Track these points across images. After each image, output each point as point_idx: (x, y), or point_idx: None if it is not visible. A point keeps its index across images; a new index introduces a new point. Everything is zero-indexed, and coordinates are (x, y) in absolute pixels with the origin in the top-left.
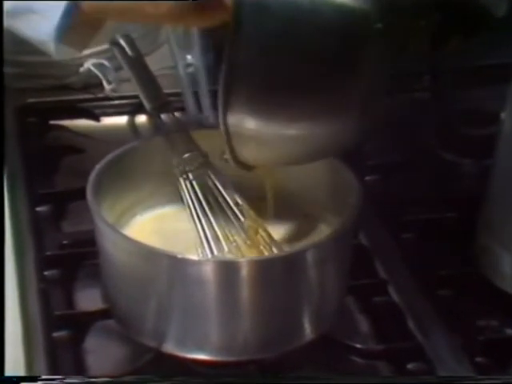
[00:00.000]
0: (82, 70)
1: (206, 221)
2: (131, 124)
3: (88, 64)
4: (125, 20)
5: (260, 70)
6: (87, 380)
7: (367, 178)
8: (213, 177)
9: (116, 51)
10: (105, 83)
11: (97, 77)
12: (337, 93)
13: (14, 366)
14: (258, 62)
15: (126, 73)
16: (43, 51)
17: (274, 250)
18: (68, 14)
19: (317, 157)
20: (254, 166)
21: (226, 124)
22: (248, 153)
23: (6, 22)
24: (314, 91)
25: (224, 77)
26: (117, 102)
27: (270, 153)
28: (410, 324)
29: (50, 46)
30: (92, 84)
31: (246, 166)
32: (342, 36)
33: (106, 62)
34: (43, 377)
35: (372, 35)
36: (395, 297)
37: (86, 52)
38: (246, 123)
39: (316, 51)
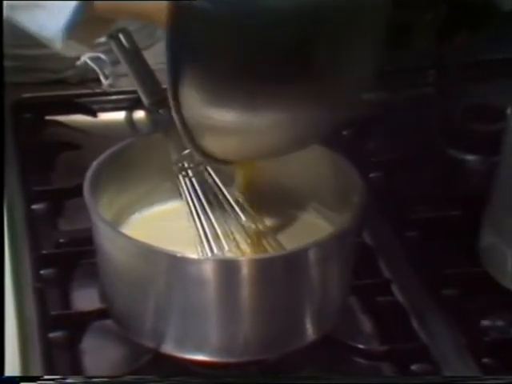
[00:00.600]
0: (78, 63)
1: (205, 218)
2: (129, 120)
3: (84, 57)
4: (136, 20)
5: (209, 56)
6: (87, 380)
7: (371, 175)
8: (213, 174)
9: (113, 45)
10: (102, 77)
11: (93, 71)
12: (295, 82)
13: (11, 366)
14: (206, 47)
15: (123, 67)
16: (47, 46)
17: (275, 249)
18: (79, 11)
19: (286, 149)
20: (225, 161)
21: (178, 112)
22: (211, 145)
23: (8, 15)
24: (268, 80)
25: (170, 62)
26: (114, 97)
27: (234, 145)
28: (414, 324)
29: (57, 42)
30: (89, 78)
31: (214, 160)
32: (299, 24)
33: (102, 56)
34: (45, 377)
35: (331, 24)
36: (399, 296)
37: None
38: (198, 111)
39: (272, 37)
